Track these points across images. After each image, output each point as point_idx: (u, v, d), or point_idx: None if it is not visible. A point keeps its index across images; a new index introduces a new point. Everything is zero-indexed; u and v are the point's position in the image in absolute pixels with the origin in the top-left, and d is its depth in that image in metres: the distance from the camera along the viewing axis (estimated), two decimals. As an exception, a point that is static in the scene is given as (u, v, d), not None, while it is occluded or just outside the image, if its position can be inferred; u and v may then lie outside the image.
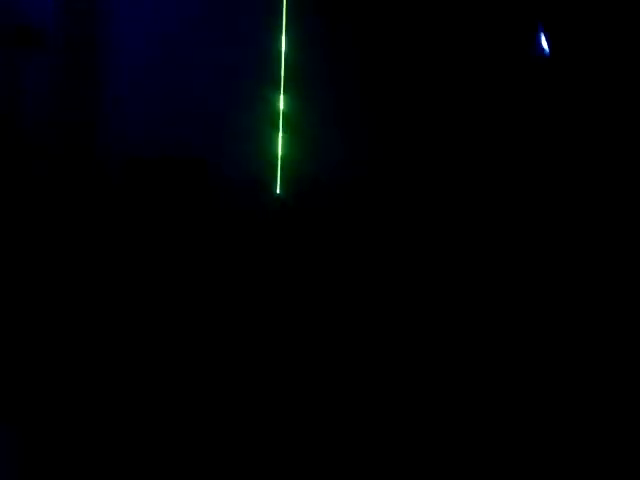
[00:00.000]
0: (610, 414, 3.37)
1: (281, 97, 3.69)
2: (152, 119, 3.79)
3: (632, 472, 3.15)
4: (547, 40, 3.85)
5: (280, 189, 3.69)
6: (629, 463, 3.18)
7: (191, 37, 3.77)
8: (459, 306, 3.72)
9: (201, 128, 3.80)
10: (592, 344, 3.58)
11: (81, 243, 3.53)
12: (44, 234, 3.52)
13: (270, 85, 3.74)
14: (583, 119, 3.86)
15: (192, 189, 3.73)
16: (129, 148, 3.75)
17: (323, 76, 3.78)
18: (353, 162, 3.75)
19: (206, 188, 3.73)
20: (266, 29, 3.76)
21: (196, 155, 3.79)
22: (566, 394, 3.45)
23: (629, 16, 3.79)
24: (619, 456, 3.20)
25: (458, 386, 3.51)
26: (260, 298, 3.59)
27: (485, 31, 3.89)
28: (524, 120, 3.89)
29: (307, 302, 3.61)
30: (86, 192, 3.53)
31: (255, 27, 3.77)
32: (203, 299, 3.58)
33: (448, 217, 3.80)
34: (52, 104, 3.64)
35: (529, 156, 3.88)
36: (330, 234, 3.70)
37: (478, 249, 3.78)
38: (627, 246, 3.68)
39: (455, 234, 3.80)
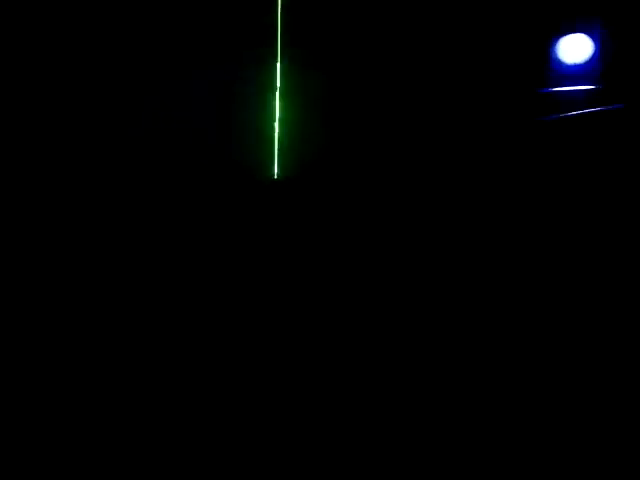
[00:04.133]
0: (610, 414, 3.26)
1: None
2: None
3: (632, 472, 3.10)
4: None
5: (278, 171, 3.50)
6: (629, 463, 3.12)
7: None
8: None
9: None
10: (592, 344, 3.43)
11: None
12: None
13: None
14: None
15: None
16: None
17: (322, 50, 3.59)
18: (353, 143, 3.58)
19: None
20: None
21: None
22: (566, 394, 3.34)
23: None
24: (619, 456, 3.13)
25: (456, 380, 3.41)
26: (261, 287, 3.47)
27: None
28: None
29: (308, 288, 3.50)
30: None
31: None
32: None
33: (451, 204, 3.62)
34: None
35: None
36: (332, 218, 3.56)
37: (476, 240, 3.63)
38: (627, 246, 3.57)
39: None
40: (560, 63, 2.94)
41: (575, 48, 2.87)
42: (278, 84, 3.54)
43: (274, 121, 3.51)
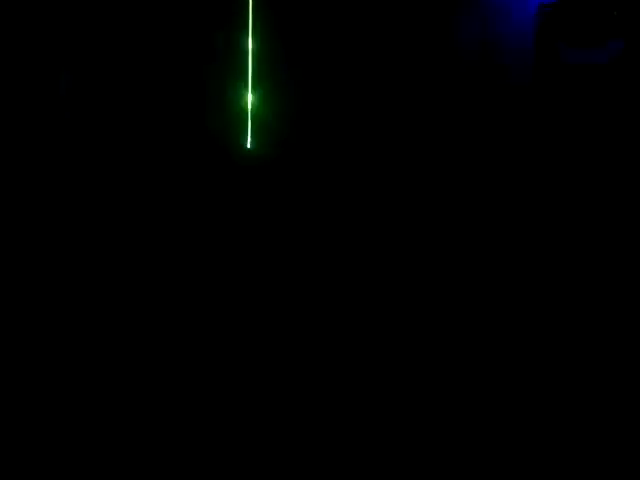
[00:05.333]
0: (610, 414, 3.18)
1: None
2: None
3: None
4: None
5: (251, 143, 3.45)
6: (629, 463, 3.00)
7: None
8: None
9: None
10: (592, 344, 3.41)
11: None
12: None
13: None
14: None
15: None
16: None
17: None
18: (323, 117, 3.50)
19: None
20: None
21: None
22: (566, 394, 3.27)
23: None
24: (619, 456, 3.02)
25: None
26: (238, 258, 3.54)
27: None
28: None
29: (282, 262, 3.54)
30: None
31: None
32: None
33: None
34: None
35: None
36: (303, 188, 3.59)
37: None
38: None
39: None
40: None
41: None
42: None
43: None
